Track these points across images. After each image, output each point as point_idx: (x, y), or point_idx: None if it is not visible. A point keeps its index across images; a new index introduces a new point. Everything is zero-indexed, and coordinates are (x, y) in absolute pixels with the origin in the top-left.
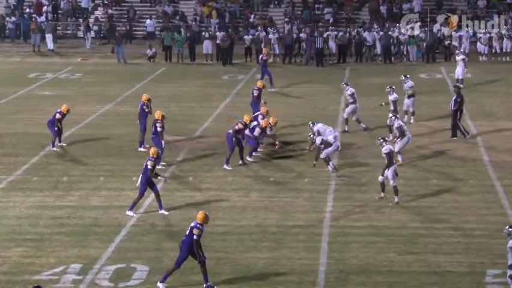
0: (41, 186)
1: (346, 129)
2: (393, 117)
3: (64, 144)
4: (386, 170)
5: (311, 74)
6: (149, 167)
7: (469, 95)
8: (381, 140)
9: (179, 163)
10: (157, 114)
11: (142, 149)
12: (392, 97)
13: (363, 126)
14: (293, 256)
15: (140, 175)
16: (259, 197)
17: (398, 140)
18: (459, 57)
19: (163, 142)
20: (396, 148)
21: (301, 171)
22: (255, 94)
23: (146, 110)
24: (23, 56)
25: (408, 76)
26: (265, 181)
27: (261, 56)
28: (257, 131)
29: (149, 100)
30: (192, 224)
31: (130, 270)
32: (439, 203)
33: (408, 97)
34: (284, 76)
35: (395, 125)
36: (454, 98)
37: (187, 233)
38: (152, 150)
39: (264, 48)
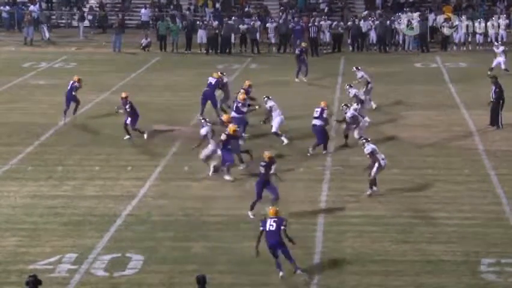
0: (36, 175)
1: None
2: (344, 107)
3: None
4: (374, 168)
5: None
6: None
7: (464, 84)
8: (364, 141)
9: (174, 153)
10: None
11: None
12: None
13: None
14: (288, 245)
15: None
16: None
17: (354, 127)
18: (498, 50)
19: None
20: (356, 135)
21: (296, 161)
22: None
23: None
24: (17, 45)
25: (360, 68)
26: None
27: (298, 50)
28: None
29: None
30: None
31: (125, 259)
32: (434, 192)
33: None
34: (279, 65)
35: (348, 115)
36: (493, 89)
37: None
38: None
39: (302, 42)
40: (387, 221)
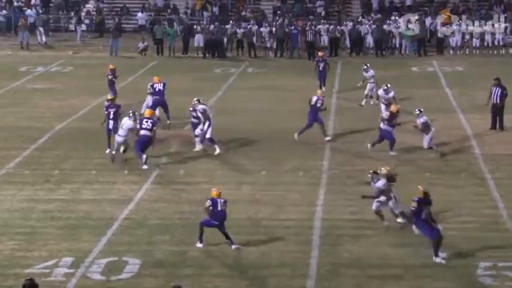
0: (33, 179)
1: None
2: (417, 112)
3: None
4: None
5: (303, 67)
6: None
7: (460, 88)
8: (373, 174)
9: (170, 156)
10: None
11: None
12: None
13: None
14: (285, 249)
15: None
16: (250, 190)
17: (425, 135)
18: None
19: None
20: (426, 144)
21: (293, 164)
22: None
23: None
24: (14, 50)
25: (368, 65)
26: (256, 174)
27: (316, 60)
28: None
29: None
30: None
31: (121, 263)
32: (432, 195)
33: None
34: (276, 69)
35: (421, 121)
36: (499, 91)
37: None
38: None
39: (320, 52)
40: (385, 224)
